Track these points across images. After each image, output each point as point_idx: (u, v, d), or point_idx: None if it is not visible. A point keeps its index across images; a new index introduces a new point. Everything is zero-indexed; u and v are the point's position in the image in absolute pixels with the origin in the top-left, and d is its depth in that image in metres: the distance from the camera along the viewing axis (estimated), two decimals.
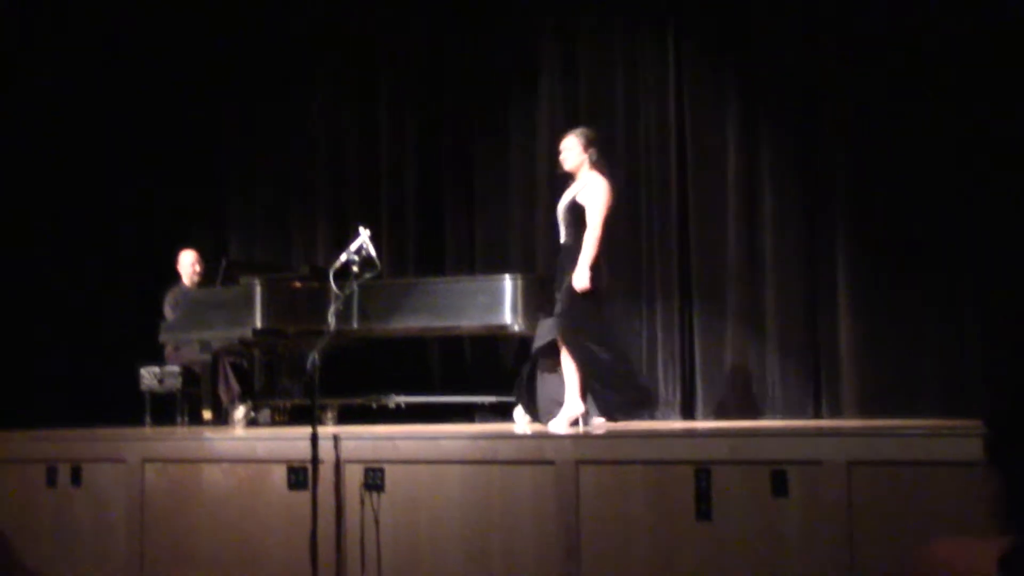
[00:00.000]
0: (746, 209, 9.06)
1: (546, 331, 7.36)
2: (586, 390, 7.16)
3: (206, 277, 9.67)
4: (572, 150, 7.33)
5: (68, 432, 7.67)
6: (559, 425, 6.97)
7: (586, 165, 7.32)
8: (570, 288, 7.12)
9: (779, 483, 5.35)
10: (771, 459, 5.43)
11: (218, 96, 11.24)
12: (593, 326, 7.25)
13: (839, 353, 8.60)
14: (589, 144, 7.34)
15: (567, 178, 7.41)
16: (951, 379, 8.11)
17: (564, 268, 7.22)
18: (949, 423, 6.46)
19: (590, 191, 7.23)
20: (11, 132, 10.05)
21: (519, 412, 8.48)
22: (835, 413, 8.56)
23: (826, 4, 8.81)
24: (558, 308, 7.20)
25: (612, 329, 7.84)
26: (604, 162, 7.42)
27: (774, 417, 8.70)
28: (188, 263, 9.81)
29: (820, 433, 5.96)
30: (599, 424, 7.21)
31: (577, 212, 7.23)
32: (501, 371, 9.29)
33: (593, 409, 7.26)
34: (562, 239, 7.33)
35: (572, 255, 7.17)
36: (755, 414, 8.82)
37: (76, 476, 7.00)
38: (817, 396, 8.71)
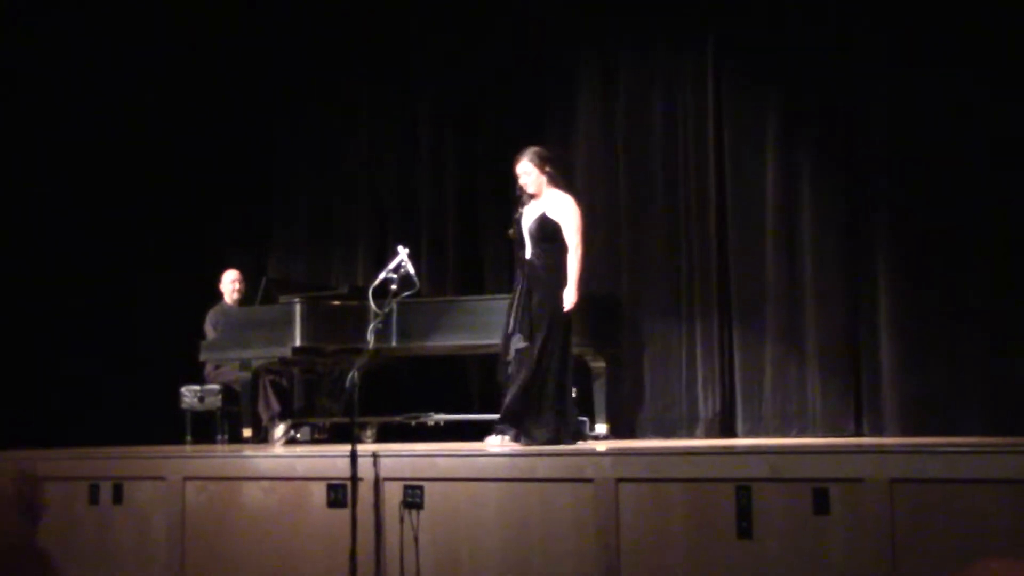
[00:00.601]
0: (785, 225, 9.00)
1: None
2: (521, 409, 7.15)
3: (247, 296, 9.72)
4: (530, 173, 7.34)
5: (110, 450, 7.70)
6: (494, 443, 7.12)
7: (545, 183, 7.33)
8: (552, 306, 7.15)
9: (821, 501, 5.29)
10: (812, 477, 5.36)
11: (261, 118, 11.30)
12: (567, 345, 7.32)
13: (880, 369, 8.52)
14: (544, 162, 7.37)
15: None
16: (995, 395, 8.01)
17: (532, 286, 7.22)
18: (994, 440, 6.38)
19: (563, 209, 7.29)
20: (56, 156, 10.13)
21: None
22: (877, 430, 8.48)
23: (866, 17, 8.75)
24: (526, 329, 7.15)
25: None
26: (562, 177, 7.46)
27: (814, 435, 8.63)
28: (230, 281, 9.86)
29: (862, 450, 5.88)
30: (496, 443, 7.19)
31: (548, 229, 7.25)
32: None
33: (508, 428, 7.21)
34: (527, 255, 7.30)
35: (543, 273, 7.20)
36: (795, 432, 8.76)
37: (118, 494, 7.02)
38: (858, 413, 8.63)
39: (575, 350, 8.85)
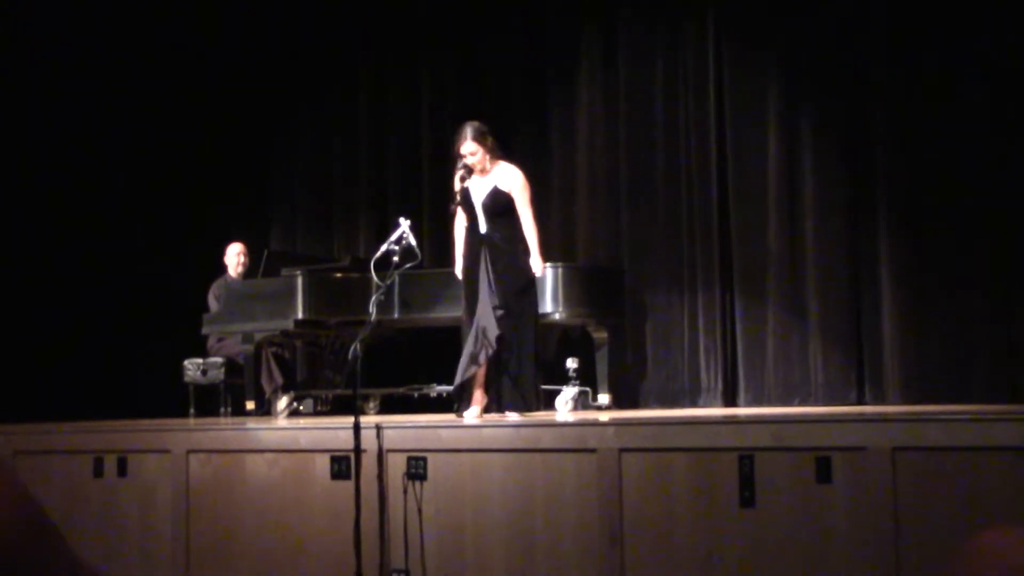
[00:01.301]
0: (787, 194, 8.99)
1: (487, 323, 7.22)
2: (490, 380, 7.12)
3: (251, 269, 9.71)
4: (476, 152, 7.24)
5: (114, 424, 7.71)
6: (473, 415, 7.07)
7: (490, 159, 7.29)
8: (518, 278, 7.16)
9: (823, 470, 5.28)
10: (815, 446, 5.36)
11: (263, 91, 11.27)
12: (536, 315, 7.39)
13: (882, 338, 8.53)
14: (486, 137, 7.29)
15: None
16: (998, 363, 8.02)
17: (493, 260, 7.17)
18: (996, 408, 6.38)
19: (513, 180, 7.27)
20: (59, 128, 10.11)
21: (561, 400, 8.48)
22: (879, 399, 8.49)
23: None
24: (499, 300, 7.12)
25: None
26: (499, 147, 7.41)
27: (817, 404, 8.64)
28: (234, 254, 9.85)
29: (864, 419, 5.88)
30: (472, 414, 7.15)
31: (501, 202, 7.21)
32: (542, 359, 9.23)
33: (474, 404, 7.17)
34: (483, 230, 7.26)
35: (504, 246, 7.18)
36: (798, 401, 8.76)
37: (122, 467, 7.03)
38: (860, 382, 8.64)
39: (577, 320, 8.90)
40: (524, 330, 7.19)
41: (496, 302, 7.11)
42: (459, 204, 7.27)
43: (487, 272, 7.15)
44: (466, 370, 7.12)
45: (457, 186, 7.27)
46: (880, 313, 8.55)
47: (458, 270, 7.43)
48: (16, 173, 9.84)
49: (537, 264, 7.22)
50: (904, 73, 8.50)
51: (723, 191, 9.28)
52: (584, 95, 9.99)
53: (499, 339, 7.09)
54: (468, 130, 7.26)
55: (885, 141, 8.62)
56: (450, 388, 8.74)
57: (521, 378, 7.13)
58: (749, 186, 9.17)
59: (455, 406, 7.26)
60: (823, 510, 5.30)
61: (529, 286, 7.28)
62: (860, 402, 8.56)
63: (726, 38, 9.35)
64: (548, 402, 8.30)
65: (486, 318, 7.10)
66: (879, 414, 6.38)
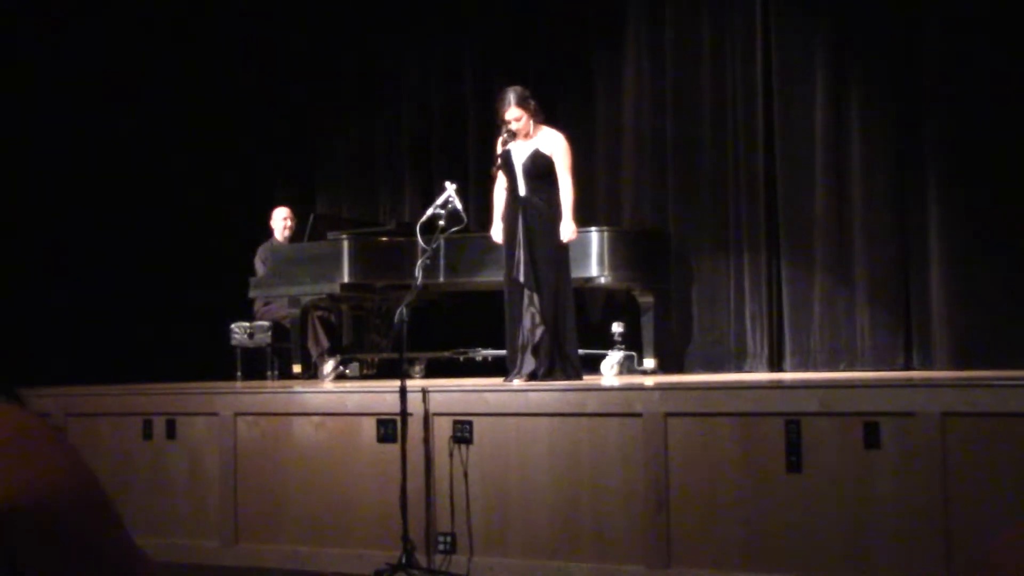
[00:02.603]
0: (834, 157, 8.89)
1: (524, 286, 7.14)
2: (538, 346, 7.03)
3: (297, 233, 9.73)
4: (521, 118, 7.16)
5: (163, 387, 7.77)
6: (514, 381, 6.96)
7: (533, 124, 7.21)
8: (553, 243, 7.09)
9: (871, 435, 5.24)
10: (863, 411, 5.32)
11: (307, 56, 11.26)
12: (570, 279, 7.32)
13: (931, 302, 8.43)
14: (528, 101, 7.19)
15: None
16: None
17: (529, 223, 7.09)
18: None
19: (555, 144, 7.20)
20: (110, 99, 10.15)
21: (606, 364, 8.45)
22: (927, 364, 8.40)
23: None
24: (533, 264, 7.03)
25: None
26: (543, 112, 7.33)
27: (863, 369, 8.56)
28: (281, 218, 9.88)
29: (913, 384, 5.83)
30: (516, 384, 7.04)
31: (542, 165, 7.14)
32: (588, 323, 9.22)
33: (527, 366, 7.04)
34: (522, 192, 7.19)
35: (543, 209, 7.11)
36: (844, 366, 8.69)
37: (171, 429, 7.09)
38: (908, 347, 8.56)
39: (623, 285, 8.86)
40: (560, 295, 7.13)
41: (529, 267, 7.06)
42: (500, 167, 7.22)
43: (523, 235, 7.09)
44: (521, 336, 7.07)
45: (499, 149, 7.22)
46: (928, 277, 8.45)
47: (495, 233, 7.38)
48: (67, 136, 9.89)
49: (567, 228, 7.11)
50: (954, 30, 8.37)
51: (770, 154, 9.19)
52: (630, 58, 9.90)
53: (535, 304, 7.04)
54: (511, 95, 7.20)
55: (934, 102, 8.49)
56: (495, 352, 8.77)
57: (558, 344, 7.07)
58: (796, 149, 9.08)
59: (507, 374, 7.18)
60: (871, 476, 5.26)
61: (562, 251, 7.19)
62: (907, 367, 8.48)
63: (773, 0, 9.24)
64: (594, 366, 8.28)
65: (528, 283, 7.05)
66: (928, 379, 6.33)
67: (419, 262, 6.43)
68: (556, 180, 7.15)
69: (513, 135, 7.17)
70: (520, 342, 7.03)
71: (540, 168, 7.14)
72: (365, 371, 9.60)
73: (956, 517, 5.07)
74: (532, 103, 7.21)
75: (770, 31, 9.22)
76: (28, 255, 9.47)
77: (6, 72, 9.45)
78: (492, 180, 7.48)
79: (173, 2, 10.59)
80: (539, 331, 6.99)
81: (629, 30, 9.91)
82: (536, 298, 7.01)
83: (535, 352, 6.98)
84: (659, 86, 9.73)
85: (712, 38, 9.49)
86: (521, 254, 7.05)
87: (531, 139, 7.19)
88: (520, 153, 7.18)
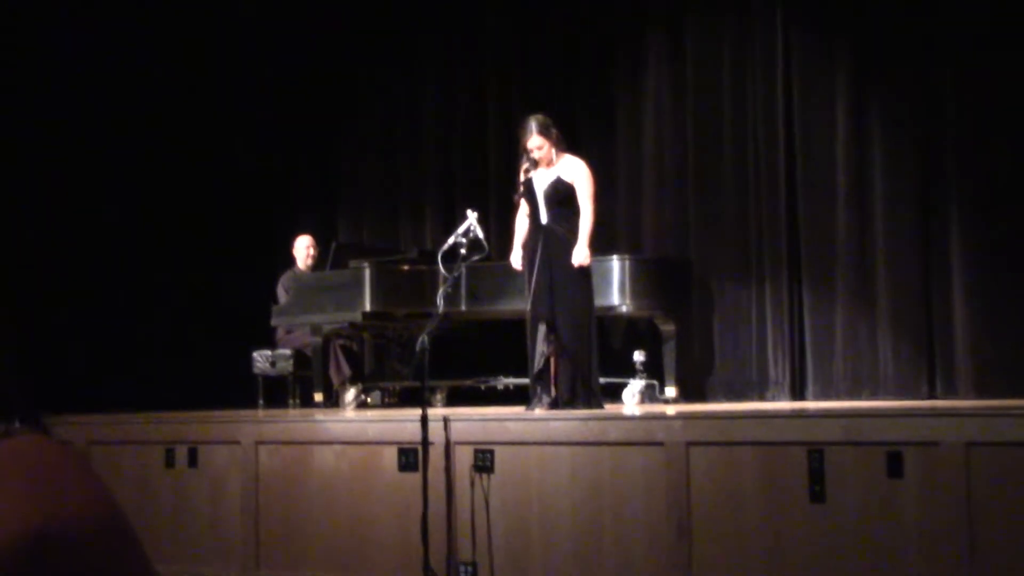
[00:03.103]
0: (856, 184, 8.88)
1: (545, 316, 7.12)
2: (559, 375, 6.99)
3: (319, 261, 9.75)
4: (543, 147, 7.14)
5: (185, 415, 7.78)
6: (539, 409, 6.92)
7: (555, 152, 7.19)
8: (573, 270, 7.03)
9: (895, 464, 5.21)
10: (886, 440, 5.29)
11: (328, 83, 11.31)
12: (592, 306, 7.27)
13: (954, 330, 8.39)
14: (550, 130, 7.18)
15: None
16: None
17: (549, 250, 7.04)
18: None
19: (577, 171, 7.17)
20: (130, 127, 10.21)
21: (628, 393, 8.43)
22: (950, 393, 8.35)
23: None
24: (552, 292, 7.00)
25: None
26: (564, 139, 7.32)
27: (887, 397, 8.52)
28: (303, 247, 9.90)
29: (937, 413, 5.80)
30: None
31: (563, 192, 7.11)
32: (609, 352, 9.21)
33: (548, 395, 7.00)
34: (543, 220, 7.15)
35: (563, 237, 7.07)
36: (867, 394, 8.65)
37: (193, 458, 7.09)
38: (931, 376, 8.51)
39: (644, 313, 8.85)
40: (582, 323, 7.10)
41: (548, 295, 7.03)
42: (522, 195, 7.22)
43: (544, 262, 7.07)
44: (535, 365, 7.06)
45: (521, 177, 7.23)
46: (951, 304, 8.41)
47: (514, 260, 7.35)
48: (92, 167, 9.95)
49: (580, 253, 7.03)
50: (977, 58, 8.35)
51: (791, 181, 9.17)
52: (651, 86, 9.92)
53: (555, 332, 7.03)
54: (533, 124, 7.20)
55: (956, 129, 8.48)
56: (516, 380, 8.76)
57: (580, 373, 7.04)
58: (817, 176, 9.06)
59: (528, 403, 7.15)
60: (895, 506, 5.23)
61: (583, 278, 7.15)
62: (931, 396, 8.43)
63: (794, 27, 9.24)
64: (615, 395, 8.26)
65: (545, 310, 7.04)
66: (952, 408, 6.30)
67: (440, 290, 6.45)
68: (578, 207, 7.14)
69: (535, 163, 7.17)
70: (542, 370, 7.02)
71: (561, 195, 7.13)
72: (386, 399, 9.60)
73: (981, 548, 5.03)
74: (554, 131, 7.21)
75: (790, 59, 9.23)
76: (50, 284, 9.53)
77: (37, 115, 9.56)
78: (514, 207, 7.48)
79: (195, 31, 10.64)
80: (559, 360, 6.97)
81: (650, 59, 9.92)
82: (555, 326, 6.99)
83: (556, 381, 6.97)
84: (680, 114, 9.74)
85: (732, 66, 9.50)
86: (540, 282, 7.04)
87: (553, 167, 7.19)
88: (542, 181, 7.18)
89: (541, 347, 7.00)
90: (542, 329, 7.00)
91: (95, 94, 9.98)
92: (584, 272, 7.11)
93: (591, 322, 7.18)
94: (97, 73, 9.98)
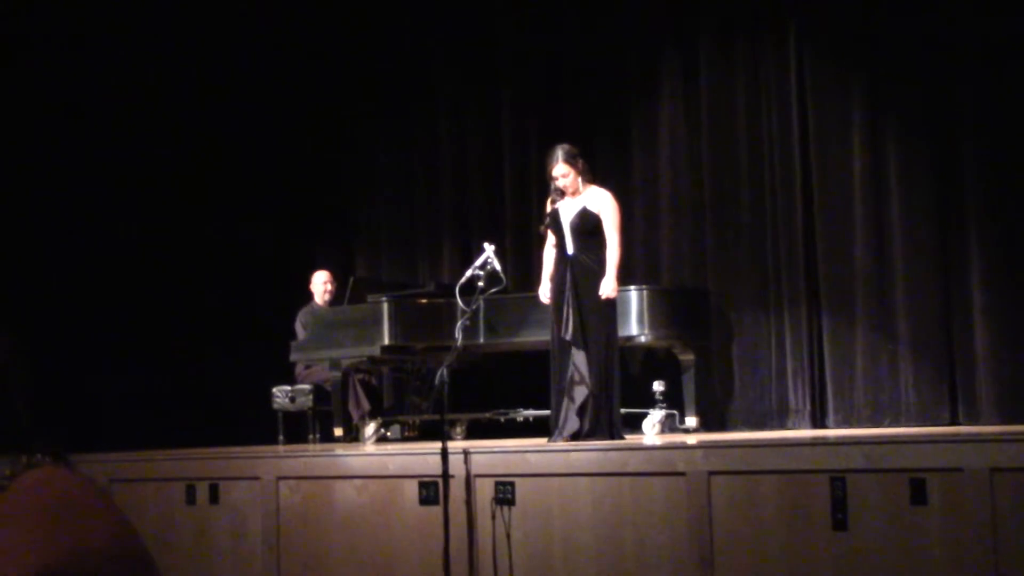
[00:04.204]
0: (873, 210, 8.86)
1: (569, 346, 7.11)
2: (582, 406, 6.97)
3: (337, 296, 9.78)
4: (568, 175, 7.17)
5: (206, 451, 7.79)
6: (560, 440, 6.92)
7: (582, 183, 7.22)
8: (600, 302, 7.04)
9: (918, 491, 5.18)
10: (909, 467, 5.26)
11: (344, 117, 11.37)
12: (616, 337, 7.26)
13: (975, 355, 8.35)
14: (577, 159, 7.22)
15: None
16: None
17: (576, 281, 7.06)
18: None
19: (603, 202, 7.20)
20: (146, 159, 10.28)
21: (648, 423, 8.41)
22: (973, 418, 8.31)
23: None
24: (580, 324, 6.99)
25: None
26: (590, 171, 7.34)
27: (909, 424, 8.48)
28: (321, 282, 9.93)
29: (960, 439, 5.76)
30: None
31: (590, 223, 7.14)
32: (628, 382, 9.19)
33: (570, 426, 6.96)
34: (570, 251, 7.17)
35: (591, 267, 7.09)
36: (888, 421, 8.61)
37: (214, 494, 7.10)
38: (954, 401, 8.47)
39: (663, 343, 8.84)
40: (607, 355, 7.09)
41: (578, 325, 7.03)
42: (548, 226, 7.23)
43: (571, 293, 7.08)
44: (557, 397, 7.04)
45: (548, 208, 7.25)
46: (972, 329, 8.38)
47: (543, 294, 7.35)
48: (109, 202, 10.01)
49: (608, 285, 7.05)
50: (993, 79, 8.34)
51: (808, 208, 9.16)
52: (665, 113, 9.93)
53: (581, 362, 7.01)
54: (559, 152, 7.23)
55: (975, 151, 8.45)
56: (536, 412, 8.74)
57: (603, 405, 7.02)
58: (834, 202, 9.05)
59: (550, 435, 7.14)
60: (919, 533, 5.19)
61: (609, 310, 7.15)
62: (954, 422, 8.39)
63: (808, 52, 9.24)
64: (635, 425, 8.24)
65: (575, 342, 7.03)
66: (975, 434, 6.25)
67: (459, 323, 6.45)
68: (604, 239, 7.15)
69: (562, 193, 7.19)
70: (564, 401, 7.00)
71: (588, 226, 7.15)
72: (406, 433, 9.60)
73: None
74: (580, 162, 7.24)
75: (805, 85, 9.23)
76: (70, 322, 9.57)
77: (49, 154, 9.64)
78: (541, 239, 7.50)
79: (213, 61, 10.70)
80: (583, 390, 6.96)
81: (664, 86, 9.94)
82: (582, 356, 6.99)
83: (579, 412, 6.95)
84: (695, 142, 9.75)
85: (747, 92, 9.51)
86: (569, 312, 7.03)
87: (579, 197, 7.21)
88: (568, 212, 7.20)
89: (571, 377, 6.98)
90: (573, 357, 6.99)
91: (108, 141, 10.06)
92: (610, 304, 7.12)
93: (614, 354, 7.17)
94: (104, 129, 10.06)
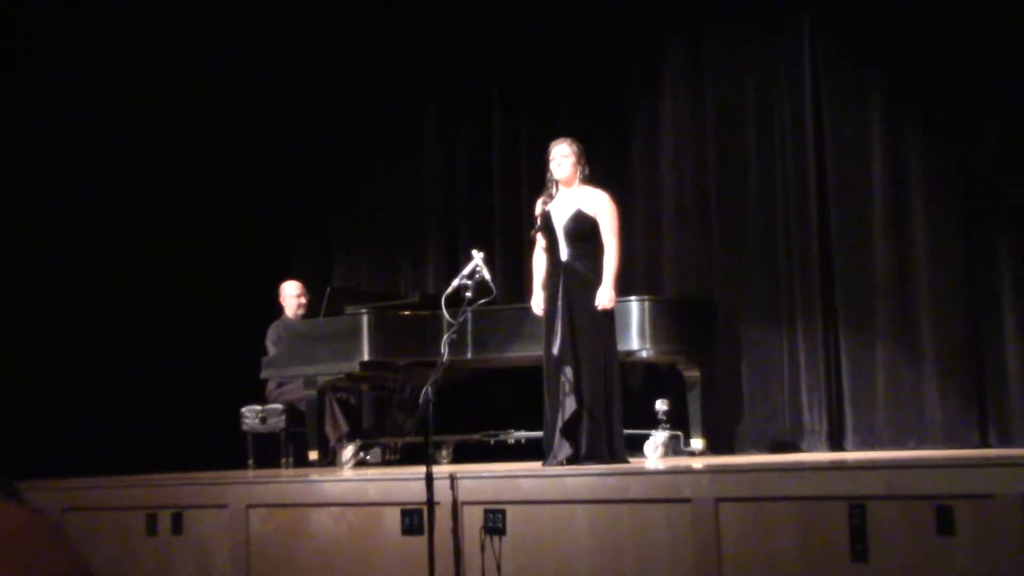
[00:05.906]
0: (894, 217, 8.88)
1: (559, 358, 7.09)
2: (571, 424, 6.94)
3: (311, 309, 9.74)
4: (568, 157, 7.19)
5: (168, 477, 7.77)
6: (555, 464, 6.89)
7: (579, 179, 7.21)
8: (599, 312, 7.02)
9: (944, 520, 5.18)
10: (935, 493, 5.26)
11: (321, 117, 11.37)
12: (616, 352, 7.25)
13: (1006, 372, 8.37)
14: (583, 156, 7.23)
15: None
16: None
17: (570, 289, 7.04)
18: None
19: (600, 203, 7.17)
20: (104, 169, 10.28)
21: (650, 445, 8.41)
22: (1004, 441, 8.32)
23: None
24: (574, 336, 6.99)
25: None
26: (594, 178, 7.33)
27: (934, 447, 8.49)
28: (292, 295, 9.90)
29: (990, 463, 5.76)
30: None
31: (585, 226, 7.11)
32: (629, 400, 9.18)
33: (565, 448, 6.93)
34: (563, 256, 7.14)
35: (586, 275, 7.06)
36: (912, 444, 8.62)
37: (177, 524, 7.07)
38: (983, 422, 8.48)
39: (666, 358, 8.84)
40: (605, 371, 7.07)
41: (568, 340, 6.99)
42: (539, 229, 7.21)
43: (563, 304, 7.05)
44: (560, 416, 6.99)
45: (538, 209, 7.22)
46: (1003, 345, 8.40)
47: (534, 303, 7.33)
48: (71, 219, 10.01)
49: (605, 295, 7.02)
50: (1018, 79, 8.37)
51: (823, 213, 9.18)
52: (668, 113, 9.94)
53: (577, 381, 6.99)
54: (566, 138, 7.28)
55: (1002, 158, 8.48)
56: (528, 434, 8.74)
57: (602, 425, 7.00)
58: (852, 209, 9.07)
59: (544, 458, 7.12)
60: (945, 565, 5.19)
61: (607, 322, 7.12)
62: (983, 444, 8.40)
63: (823, 46, 9.27)
64: (636, 447, 8.23)
65: (565, 357, 7.00)
66: (1006, 457, 6.26)
67: (445, 337, 6.44)
68: (600, 244, 7.12)
69: (554, 193, 7.17)
70: (558, 422, 6.98)
71: (583, 229, 7.10)
72: (388, 457, 9.58)
73: None
74: (584, 159, 7.22)
75: (819, 83, 9.25)
76: (22, 340, 9.55)
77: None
78: (531, 244, 7.47)
79: (184, 61, 10.72)
80: (576, 410, 6.94)
81: (666, 84, 9.96)
82: (572, 373, 6.95)
83: (574, 433, 6.93)
84: (700, 142, 9.77)
85: (756, 86, 9.54)
86: (560, 325, 7.01)
87: (573, 198, 7.17)
88: (561, 214, 7.16)
89: (568, 396, 6.95)
90: (568, 375, 6.96)
91: (87, 159, 10.09)
92: (607, 315, 7.09)
93: (614, 370, 7.14)
94: (82, 136, 10.08)
